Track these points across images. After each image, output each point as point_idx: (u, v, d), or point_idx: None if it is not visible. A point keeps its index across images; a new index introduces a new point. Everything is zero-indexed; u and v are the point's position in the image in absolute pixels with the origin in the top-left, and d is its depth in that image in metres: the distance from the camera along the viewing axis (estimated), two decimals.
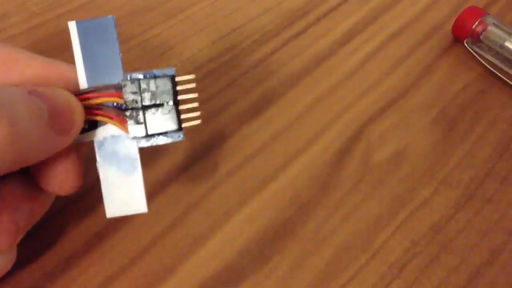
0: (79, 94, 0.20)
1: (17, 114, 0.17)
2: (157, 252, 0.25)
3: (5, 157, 0.17)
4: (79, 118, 0.20)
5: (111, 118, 0.21)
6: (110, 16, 0.20)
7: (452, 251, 0.25)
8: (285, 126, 0.30)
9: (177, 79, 0.21)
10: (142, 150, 0.21)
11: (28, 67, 0.21)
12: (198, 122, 0.21)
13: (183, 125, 0.21)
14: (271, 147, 0.29)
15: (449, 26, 0.34)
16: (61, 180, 0.21)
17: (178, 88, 0.21)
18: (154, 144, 0.21)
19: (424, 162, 0.28)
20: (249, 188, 0.27)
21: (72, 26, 0.20)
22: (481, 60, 0.33)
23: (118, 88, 0.20)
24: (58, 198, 0.23)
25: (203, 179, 0.27)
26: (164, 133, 0.21)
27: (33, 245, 0.24)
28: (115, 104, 0.21)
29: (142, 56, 0.32)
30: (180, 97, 0.21)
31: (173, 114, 0.21)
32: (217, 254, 0.25)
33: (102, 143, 0.21)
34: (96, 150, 0.21)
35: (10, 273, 0.23)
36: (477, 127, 0.30)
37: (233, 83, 0.31)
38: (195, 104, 0.21)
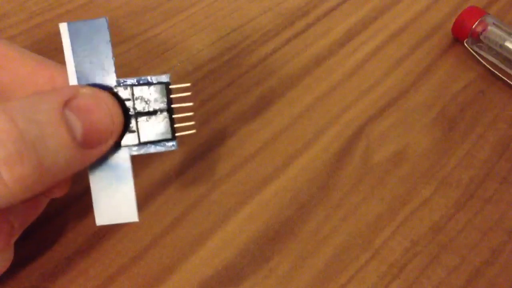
0: None
1: (46, 149, 0.17)
2: (157, 252, 0.25)
3: (31, 190, 0.17)
4: (117, 127, 0.19)
5: None
6: (103, 17, 0.19)
7: (452, 251, 0.25)
8: (285, 126, 0.30)
9: (172, 87, 0.20)
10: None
11: (22, 66, 0.20)
12: (192, 131, 0.20)
13: (177, 134, 0.20)
14: (271, 147, 0.29)
15: (449, 26, 0.34)
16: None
17: (173, 96, 0.20)
18: (146, 152, 0.20)
19: (424, 162, 0.28)
20: (249, 188, 0.27)
21: (63, 27, 0.19)
22: (481, 60, 0.33)
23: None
24: (57, 198, 0.23)
25: (203, 179, 0.27)
26: (157, 142, 0.20)
27: (33, 245, 0.24)
28: None
29: (142, 56, 0.32)
30: (174, 106, 0.20)
31: (167, 123, 0.20)
32: (217, 254, 0.25)
33: None
34: None
35: (10, 274, 0.23)
36: (477, 127, 0.30)
37: (233, 83, 0.31)
38: (190, 113, 0.20)
